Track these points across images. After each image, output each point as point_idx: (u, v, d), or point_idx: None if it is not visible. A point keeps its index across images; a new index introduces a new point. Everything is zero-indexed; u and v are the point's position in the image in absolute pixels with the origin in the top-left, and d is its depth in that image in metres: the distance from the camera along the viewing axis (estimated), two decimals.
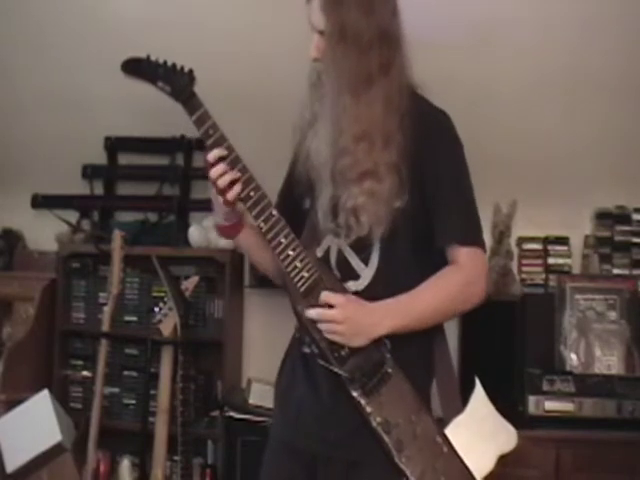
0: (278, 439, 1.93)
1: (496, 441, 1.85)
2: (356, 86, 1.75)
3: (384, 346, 1.76)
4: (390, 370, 1.76)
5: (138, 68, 1.84)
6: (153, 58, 1.84)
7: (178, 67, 1.82)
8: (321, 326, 1.74)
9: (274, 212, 1.79)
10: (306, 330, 1.79)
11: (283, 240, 1.78)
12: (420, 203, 1.78)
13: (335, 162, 1.77)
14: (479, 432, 1.82)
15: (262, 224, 1.78)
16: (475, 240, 1.80)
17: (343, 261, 1.83)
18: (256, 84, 3.38)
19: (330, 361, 1.76)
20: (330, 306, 1.74)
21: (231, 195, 1.79)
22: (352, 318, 1.73)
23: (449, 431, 1.78)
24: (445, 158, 1.81)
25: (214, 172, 1.79)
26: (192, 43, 3.26)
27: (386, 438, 1.74)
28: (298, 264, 1.78)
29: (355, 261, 1.82)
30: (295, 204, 1.93)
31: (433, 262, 1.82)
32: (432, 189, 1.79)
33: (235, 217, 1.91)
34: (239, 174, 1.79)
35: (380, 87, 1.76)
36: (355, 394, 1.76)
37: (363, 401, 1.75)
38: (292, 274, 1.78)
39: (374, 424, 1.75)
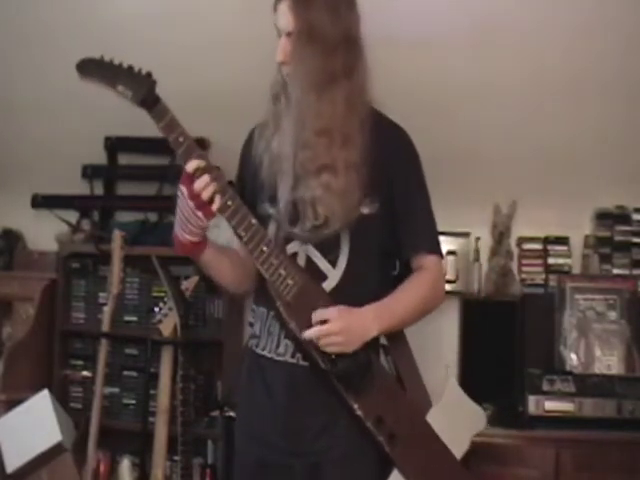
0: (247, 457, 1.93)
1: (469, 424, 1.95)
2: (320, 84, 1.79)
3: (370, 346, 1.80)
4: (377, 368, 1.82)
5: (95, 70, 1.77)
6: (107, 59, 1.76)
7: (136, 69, 1.75)
8: (319, 342, 1.74)
9: (253, 221, 1.78)
10: (299, 345, 1.79)
11: (265, 249, 1.78)
12: (386, 210, 1.85)
13: (296, 156, 1.79)
14: (455, 417, 1.90)
15: (242, 233, 1.78)
16: (439, 250, 1.93)
17: (310, 264, 1.84)
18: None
19: (321, 368, 1.77)
20: (323, 320, 1.75)
21: (216, 206, 1.75)
22: (347, 327, 1.75)
23: (429, 418, 1.86)
24: (411, 170, 1.91)
25: (200, 184, 1.73)
26: (190, 42, 3.26)
27: (379, 434, 1.79)
28: (282, 272, 1.78)
29: (322, 263, 1.84)
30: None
31: (393, 264, 1.95)
32: (400, 199, 1.86)
33: (202, 234, 1.85)
34: (218, 184, 1.74)
35: (342, 88, 1.80)
36: (346, 395, 1.78)
37: (353, 400, 1.78)
38: (277, 283, 1.78)
39: (367, 423, 1.78)
